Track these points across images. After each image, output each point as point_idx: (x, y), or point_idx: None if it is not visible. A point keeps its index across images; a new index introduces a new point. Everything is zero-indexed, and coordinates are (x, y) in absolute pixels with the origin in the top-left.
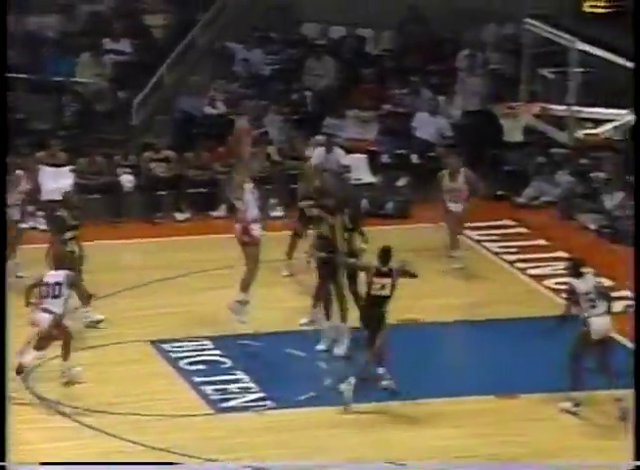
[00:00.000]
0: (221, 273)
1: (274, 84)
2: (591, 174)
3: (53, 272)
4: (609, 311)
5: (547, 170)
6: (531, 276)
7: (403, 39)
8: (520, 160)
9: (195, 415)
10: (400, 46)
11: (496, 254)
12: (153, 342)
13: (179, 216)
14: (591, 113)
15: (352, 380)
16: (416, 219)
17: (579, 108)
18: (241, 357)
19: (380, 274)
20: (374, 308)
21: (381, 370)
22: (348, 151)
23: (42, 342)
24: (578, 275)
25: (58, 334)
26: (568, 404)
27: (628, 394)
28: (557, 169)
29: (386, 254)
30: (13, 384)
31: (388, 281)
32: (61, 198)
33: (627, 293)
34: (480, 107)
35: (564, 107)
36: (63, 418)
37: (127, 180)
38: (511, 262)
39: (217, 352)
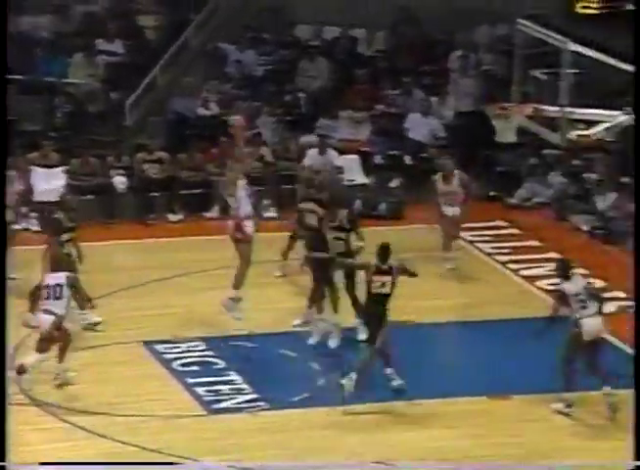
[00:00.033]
0: (215, 274)
1: (267, 85)
2: (584, 175)
3: (53, 274)
4: (600, 312)
5: (540, 171)
6: (524, 277)
7: (396, 40)
8: (512, 161)
9: (188, 416)
10: (393, 47)
11: (489, 254)
12: (146, 343)
13: (172, 218)
14: (583, 114)
15: (353, 375)
16: (409, 220)
17: (572, 109)
18: (234, 358)
19: (379, 272)
20: (375, 306)
21: (389, 371)
22: (341, 152)
23: (43, 344)
24: (567, 277)
25: (58, 336)
26: (560, 405)
27: (624, 394)
28: (549, 170)
29: (385, 251)
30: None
31: (388, 279)
32: (56, 199)
33: (620, 294)
34: (472, 108)
35: (556, 108)
36: (55, 419)
37: (120, 181)
38: (503, 263)
39: (210, 352)
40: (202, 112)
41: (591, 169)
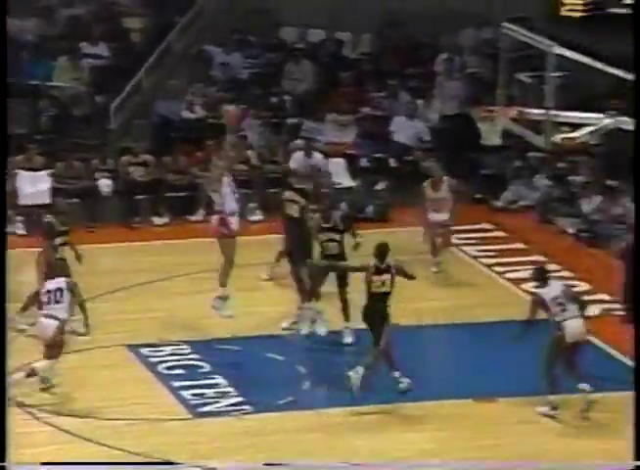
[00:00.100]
0: (200, 278)
1: (253, 88)
2: (569, 178)
3: (53, 280)
4: (583, 314)
5: (525, 174)
6: (510, 280)
7: (381, 43)
8: (497, 163)
9: (173, 420)
10: (378, 50)
11: (475, 257)
12: (131, 346)
13: (157, 221)
14: (568, 117)
15: (360, 369)
16: (396, 223)
17: (557, 112)
18: (219, 362)
19: (378, 272)
20: (376, 305)
21: (396, 374)
22: (327, 155)
23: (52, 350)
24: (544, 282)
25: (61, 340)
26: (545, 409)
27: (603, 394)
28: (534, 173)
29: (382, 250)
30: None
31: (387, 277)
32: (41, 203)
33: (605, 296)
34: (457, 110)
35: (541, 111)
36: (39, 423)
37: (105, 185)
38: (489, 266)
39: (196, 356)
40: (187, 115)
41: (576, 172)
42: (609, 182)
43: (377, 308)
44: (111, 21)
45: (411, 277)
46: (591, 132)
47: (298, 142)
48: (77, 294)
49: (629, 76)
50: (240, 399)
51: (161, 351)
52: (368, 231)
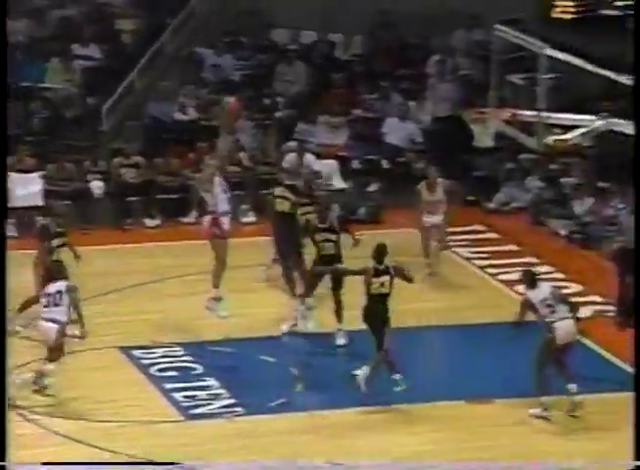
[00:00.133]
0: (192, 279)
1: (245, 90)
2: (561, 180)
3: (54, 283)
4: (573, 316)
5: (517, 176)
6: (502, 281)
7: (373, 44)
8: (490, 165)
9: (165, 422)
10: (370, 51)
11: (467, 259)
12: (123, 348)
13: (149, 223)
14: (560, 119)
15: (366, 369)
16: (388, 225)
17: (549, 114)
18: (212, 364)
19: (377, 273)
20: (376, 307)
21: (397, 376)
22: (319, 156)
23: (54, 353)
24: (533, 285)
25: (62, 343)
26: (537, 410)
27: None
28: (527, 175)
29: (381, 252)
30: None
31: (386, 279)
32: (33, 204)
33: (597, 298)
34: (449, 112)
35: (533, 113)
36: (31, 424)
37: (97, 186)
38: (482, 268)
39: (188, 358)
40: (179, 116)
41: (568, 174)
42: (601, 184)
43: (377, 309)
44: (102, 22)
45: (409, 279)
46: (583, 134)
47: (291, 144)
48: (77, 296)
49: (621, 78)
50: (232, 401)
51: (154, 353)
52: (360, 233)
